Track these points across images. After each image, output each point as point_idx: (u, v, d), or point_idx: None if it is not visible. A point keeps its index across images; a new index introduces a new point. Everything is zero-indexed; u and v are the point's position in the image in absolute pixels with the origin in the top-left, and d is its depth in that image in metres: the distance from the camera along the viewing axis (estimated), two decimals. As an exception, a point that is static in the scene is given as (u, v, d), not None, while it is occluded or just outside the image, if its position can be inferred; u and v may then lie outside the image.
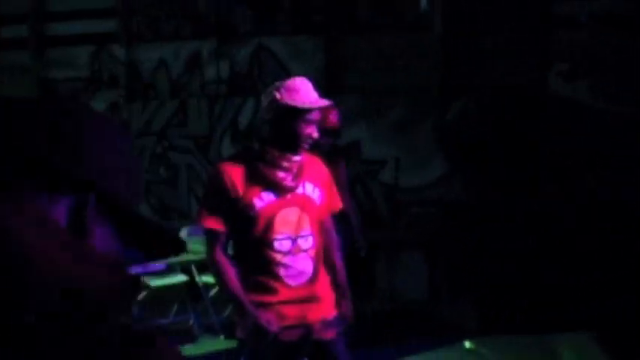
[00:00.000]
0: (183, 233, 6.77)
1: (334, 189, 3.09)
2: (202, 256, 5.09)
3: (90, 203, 0.89)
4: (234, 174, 2.78)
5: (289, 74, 7.84)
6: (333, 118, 4.98)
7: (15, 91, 8.16)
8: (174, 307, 6.41)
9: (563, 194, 6.70)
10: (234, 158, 2.89)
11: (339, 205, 3.11)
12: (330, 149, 5.00)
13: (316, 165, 3.00)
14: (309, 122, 2.83)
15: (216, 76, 8.04)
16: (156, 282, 6.11)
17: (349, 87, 7.62)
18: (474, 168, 7.12)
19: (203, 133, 8.08)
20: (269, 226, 2.78)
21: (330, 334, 2.88)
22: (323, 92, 7.43)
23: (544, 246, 6.42)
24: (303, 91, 2.83)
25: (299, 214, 2.84)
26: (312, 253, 2.86)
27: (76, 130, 0.91)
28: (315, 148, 4.56)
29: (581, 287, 6.02)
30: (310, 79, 7.53)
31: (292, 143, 2.82)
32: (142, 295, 6.04)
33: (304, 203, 2.86)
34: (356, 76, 7.62)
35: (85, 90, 8.20)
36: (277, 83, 2.87)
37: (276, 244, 2.79)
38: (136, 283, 5.80)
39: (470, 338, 5.68)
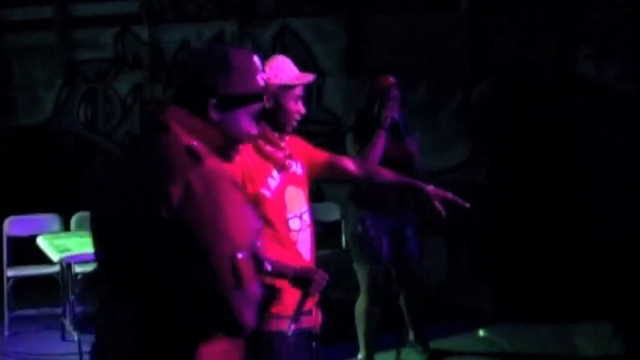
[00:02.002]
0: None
1: (313, 151, 3.09)
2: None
3: (211, 103, 1.80)
4: (244, 155, 2.70)
5: (312, 55, 7.80)
6: (395, 91, 4.80)
7: (40, 72, 8.22)
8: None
9: (588, 179, 6.55)
10: None
11: (323, 156, 3.12)
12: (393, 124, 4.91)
13: (292, 140, 2.99)
14: (298, 98, 2.83)
15: (239, 57, 7.97)
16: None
17: (372, 68, 7.52)
18: (497, 151, 6.99)
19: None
20: (282, 205, 2.79)
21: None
22: (346, 73, 7.45)
23: (567, 232, 6.29)
24: (288, 68, 2.82)
25: (298, 191, 2.87)
26: (311, 227, 2.90)
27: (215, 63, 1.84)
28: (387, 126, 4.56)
29: (604, 276, 5.90)
30: (333, 60, 7.59)
31: (284, 122, 2.83)
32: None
33: (297, 180, 2.89)
34: (379, 57, 7.50)
35: (109, 71, 8.22)
36: None
37: (290, 223, 2.81)
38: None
39: (484, 326, 5.64)
